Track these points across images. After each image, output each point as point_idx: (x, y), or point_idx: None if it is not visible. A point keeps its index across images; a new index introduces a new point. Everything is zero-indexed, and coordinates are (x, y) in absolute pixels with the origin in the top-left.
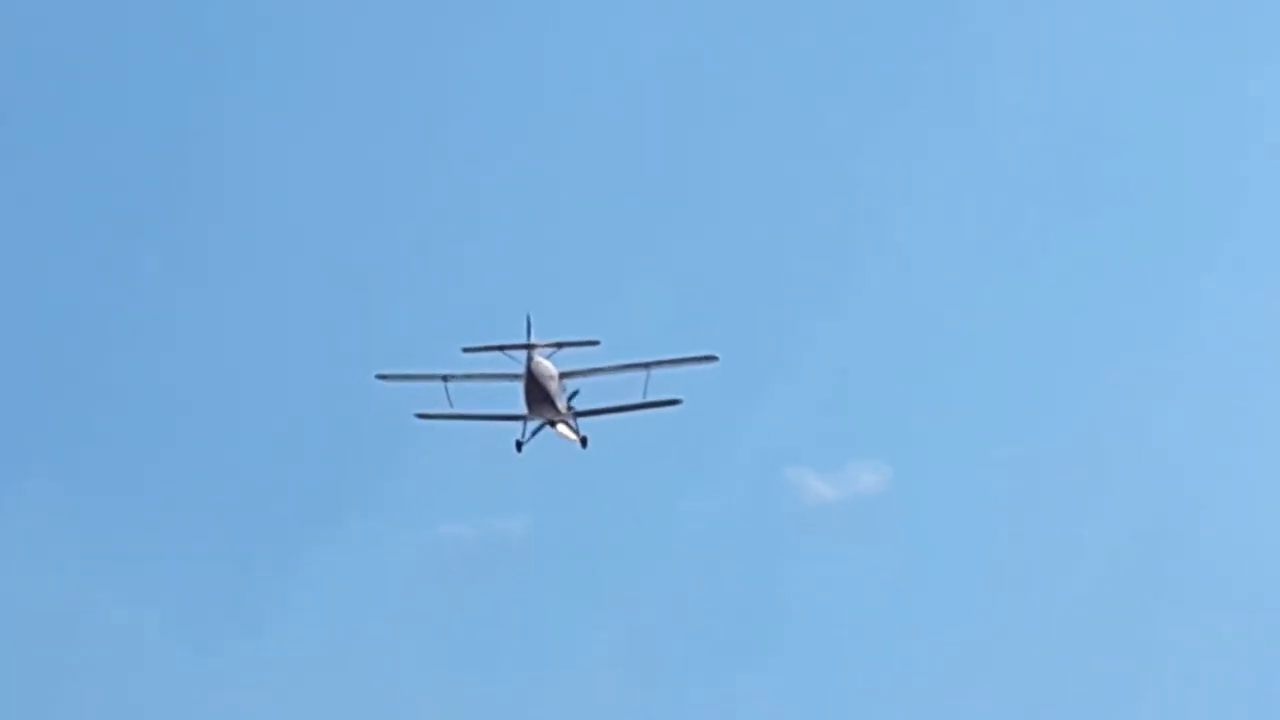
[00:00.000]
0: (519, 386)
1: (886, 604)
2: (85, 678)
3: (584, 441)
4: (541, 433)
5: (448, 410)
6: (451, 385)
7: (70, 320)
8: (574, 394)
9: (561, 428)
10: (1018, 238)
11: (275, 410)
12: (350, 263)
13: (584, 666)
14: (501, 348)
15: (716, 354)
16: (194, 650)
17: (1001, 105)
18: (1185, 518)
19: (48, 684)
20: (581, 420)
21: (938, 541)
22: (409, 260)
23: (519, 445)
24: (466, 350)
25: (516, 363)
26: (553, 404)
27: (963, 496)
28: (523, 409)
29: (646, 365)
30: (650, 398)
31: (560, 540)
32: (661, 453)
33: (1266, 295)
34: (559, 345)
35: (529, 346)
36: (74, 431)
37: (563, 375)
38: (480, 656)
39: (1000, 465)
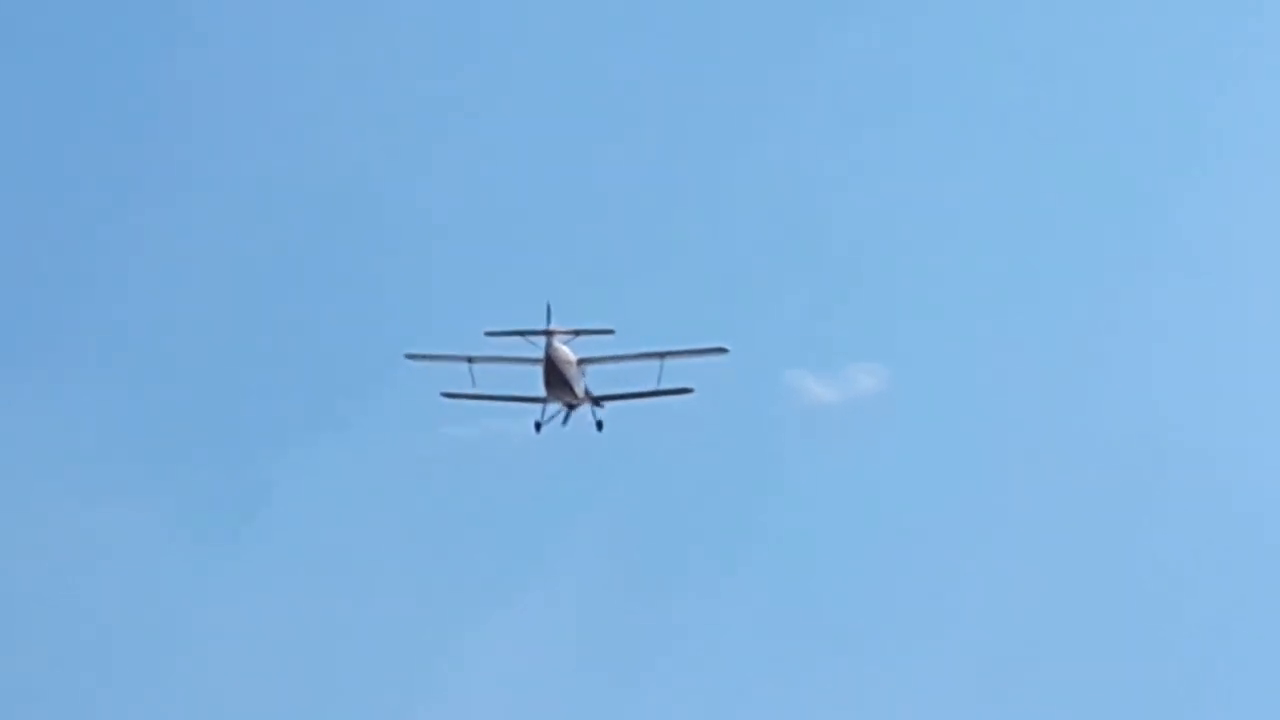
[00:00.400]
0: (539, 370)
1: (885, 505)
2: (87, 575)
3: (599, 425)
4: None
5: (472, 390)
6: (475, 367)
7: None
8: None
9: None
10: (1015, 144)
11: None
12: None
13: (581, 569)
14: (522, 333)
15: (727, 346)
16: (195, 542)
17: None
18: (1181, 419)
19: (47, 579)
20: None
21: (935, 442)
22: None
23: (538, 426)
24: (489, 334)
25: (536, 348)
26: (570, 388)
27: (959, 397)
28: (542, 392)
29: (661, 355)
30: (663, 386)
31: (558, 443)
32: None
33: (1252, 207)
34: (576, 332)
35: (548, 333)
36: (80, 329)
37: (580, 361)
38: (477, 555)
39: (998, 366)
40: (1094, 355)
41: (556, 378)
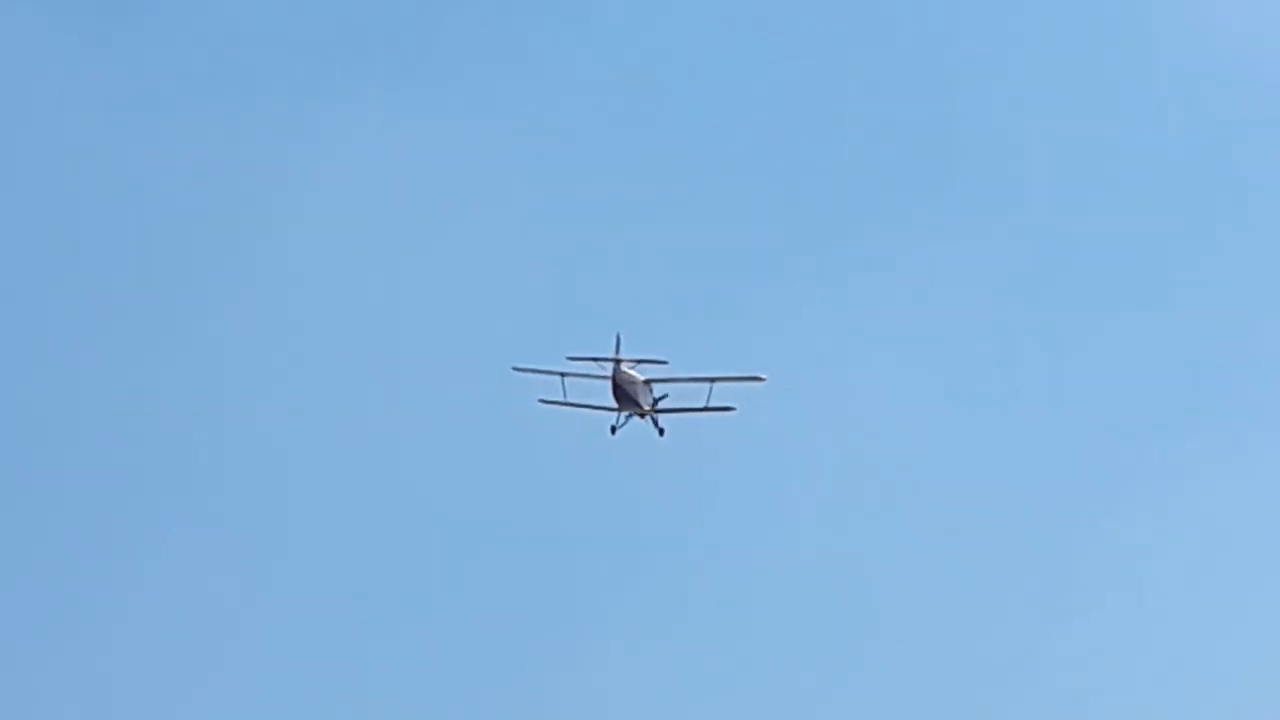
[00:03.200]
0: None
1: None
2: None
3: (661, 431)
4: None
5: (562, 399)
6: (565, 380)
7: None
8: (663, 396)
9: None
10: None
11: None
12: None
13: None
14: (595, 359)
15: (764, 375)
16: None
17: None
18: None
19: None
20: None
21: None
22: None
23: (613, 429)
24: (570, 359)
25: (605, 369)
26: (635, 402)
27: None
28: (614, 404)
29: (710, 380)
30: (711, 404)
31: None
32: None
33: None
34: (637, 361)
35: (616, 360)
36: None
37: (646, 381)
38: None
39: None
40: None
41: (623, 394)
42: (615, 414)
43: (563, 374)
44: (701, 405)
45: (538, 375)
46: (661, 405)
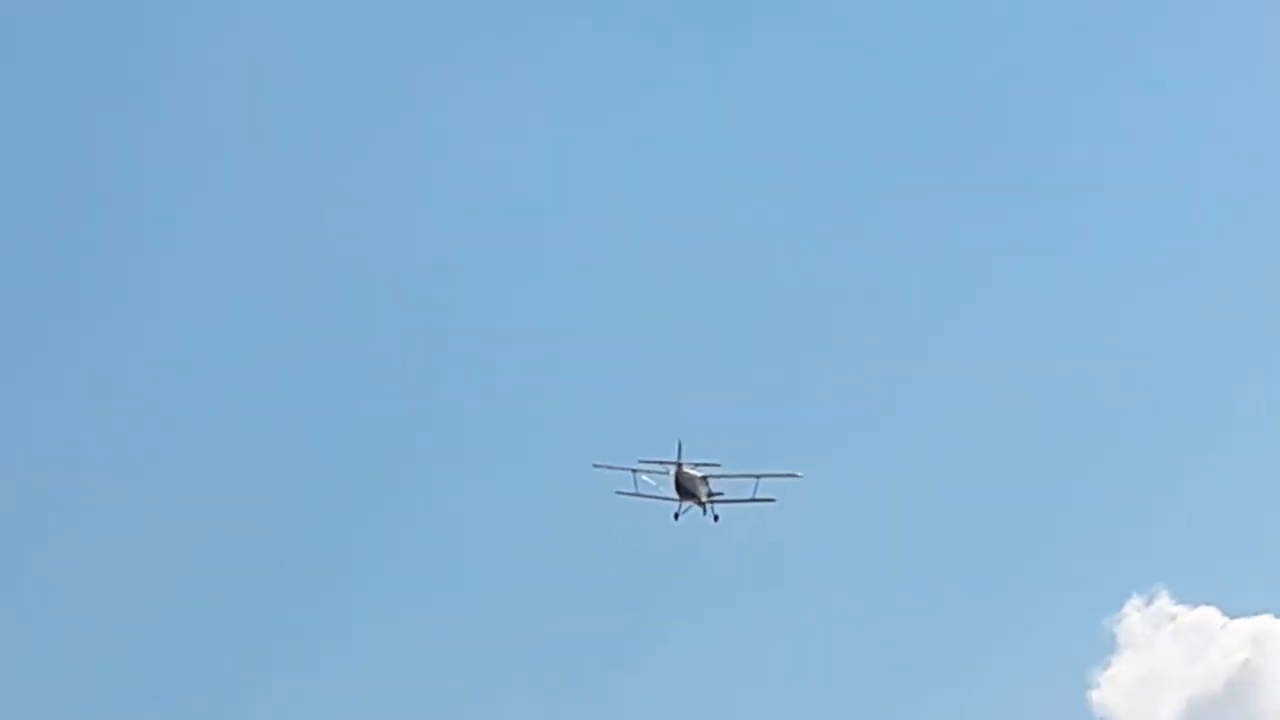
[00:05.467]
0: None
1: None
2: None
3: (716, 518)
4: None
5: (634, 491)
6: (637, 476)
7: None
8: (718, 493)
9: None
10: None
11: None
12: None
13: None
14: (661, 462)
15: (800, 473)
16: None
17: None
18: None
19: None
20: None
21: None
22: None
23: (676, 516)
24: (641, 461)
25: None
26: (695, 496)
27: None
28: (675, 496)
29: (756, 476)
30: (756, 496)
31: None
32: None
33: None
34: (695, 465)
35: (678, 464)
36: None
37: (704, 477)
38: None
39: None
40: None
41: (683, 490)
42: (677, 504)
43: (634, 470)
44: (749, 497)
45: (614, 471)
46: (716, 498)
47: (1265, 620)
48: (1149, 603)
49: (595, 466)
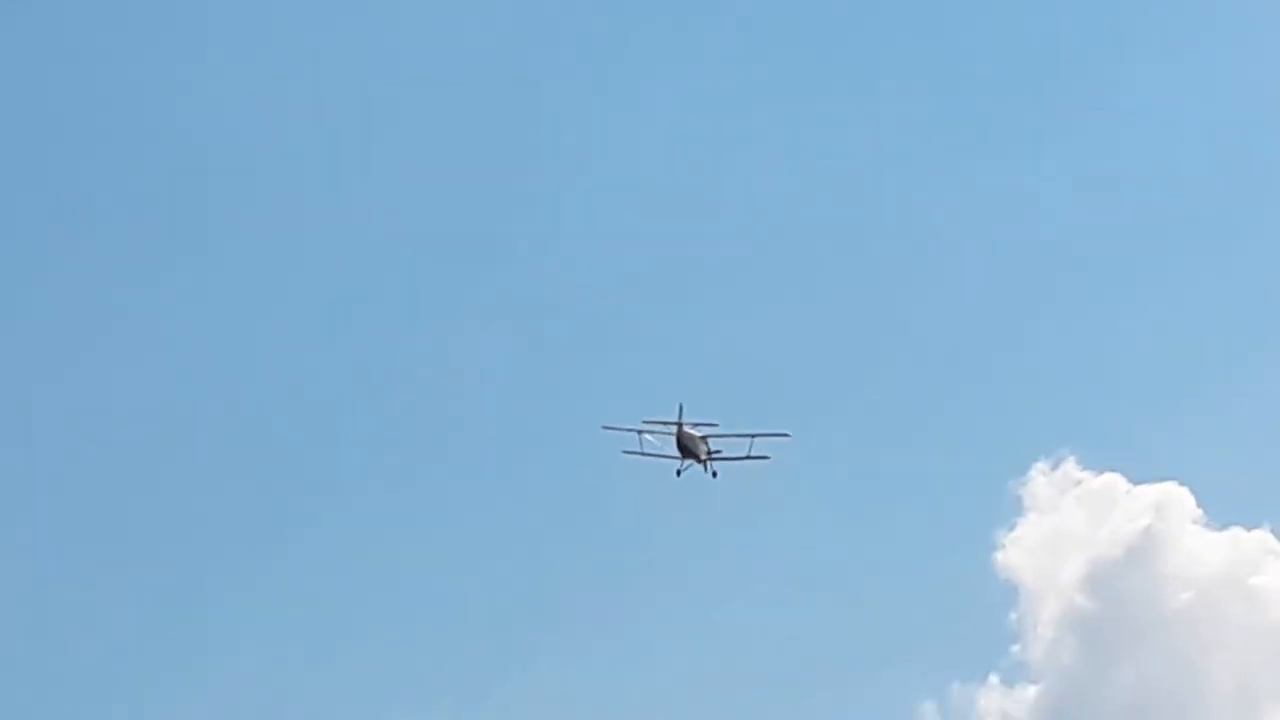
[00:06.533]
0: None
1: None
2: None
3: (714, 474)
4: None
5: (640, 450)
6: (642, 436)
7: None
8: (717, 451)
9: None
10: None
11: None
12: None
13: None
14: (664, 422)
15: (789, 432)
16: None
17: None
18: None
19: None
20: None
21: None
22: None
23: (678, 473)
24: (645, 423)
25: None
26: (695, 455)
27: None
28: (678, 454)
29: (751, 435)
30: (751, 454)
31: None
32: None
33: None
34: (695, 425)
35: (678, 424)
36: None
37: (703, 437)
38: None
39: None
40: None
41: (684, 448)
42: (679, 461)
43: (639, 431)
44: (744, 455)
45: (621, 432)
46: (715, 455)
47: (1168, 487)
48: (1055, 467)
49: (604, 428)
